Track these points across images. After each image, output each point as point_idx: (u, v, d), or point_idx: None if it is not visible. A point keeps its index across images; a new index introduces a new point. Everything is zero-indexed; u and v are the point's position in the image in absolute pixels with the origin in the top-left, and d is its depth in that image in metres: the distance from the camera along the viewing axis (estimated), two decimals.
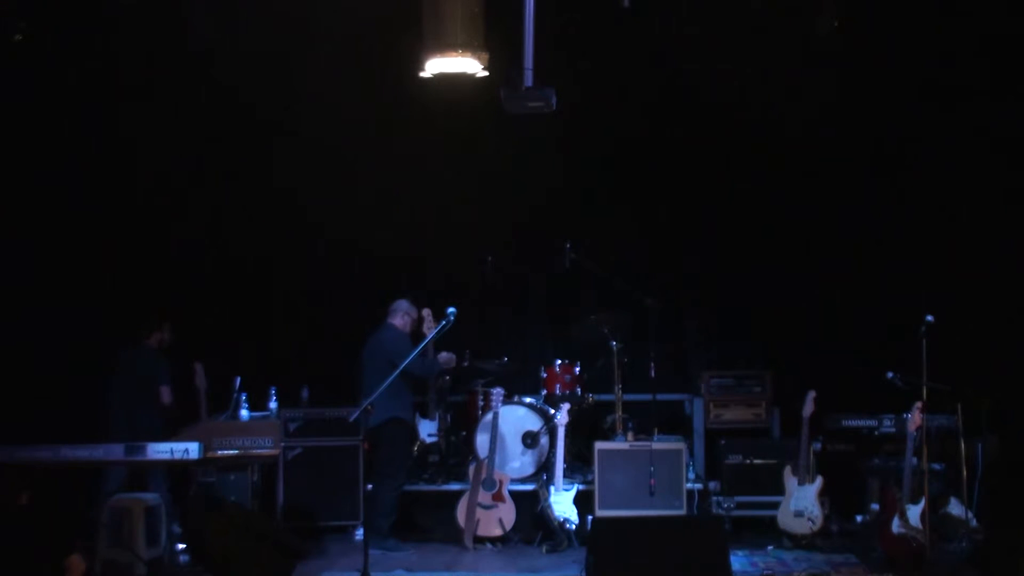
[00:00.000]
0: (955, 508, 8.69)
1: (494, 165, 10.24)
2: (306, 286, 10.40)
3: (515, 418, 9.79)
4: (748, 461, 9.55)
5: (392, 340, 8.98)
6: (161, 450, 7.51)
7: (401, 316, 9.19)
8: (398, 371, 8.15)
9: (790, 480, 8.92)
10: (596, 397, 10.12)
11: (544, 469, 9.60)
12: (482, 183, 10.28)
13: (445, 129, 9.84)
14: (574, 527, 9.05)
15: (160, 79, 9.40)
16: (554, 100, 7.62)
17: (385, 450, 8.95)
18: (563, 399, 9.78)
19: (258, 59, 9.26)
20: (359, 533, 9.09)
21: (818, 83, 9.42)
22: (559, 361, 10.14)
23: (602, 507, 9.24)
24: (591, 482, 9.41)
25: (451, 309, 7.93)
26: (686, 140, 10.29)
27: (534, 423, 9.78)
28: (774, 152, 10.01)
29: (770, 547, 8.85)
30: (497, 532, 9.15)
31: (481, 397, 10.02)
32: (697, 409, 10.23)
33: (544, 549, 8.95)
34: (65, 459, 7.46)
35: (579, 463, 9.98)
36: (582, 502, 9.22)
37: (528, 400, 9.97)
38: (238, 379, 8.70)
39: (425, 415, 9.94)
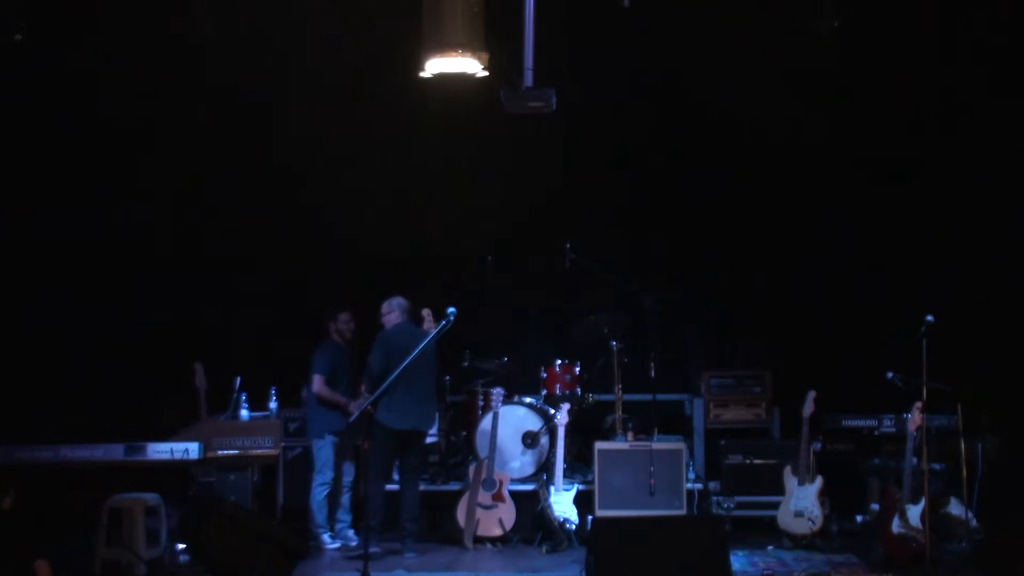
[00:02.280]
0: (955, 508, 8.69)
1: (494, 165, 10.24)
2: (305, 286, 10.39)
3: (515, 418, 9.79)
4: (748, 461, 9.55)
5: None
6: (161, 450, 7.51)
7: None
8: (399, 370, 8.13)
9: (790, 480, 8.92)
10: (596, 397, 10.11)
11: (544, 469, 9.61)
12: (482, 183, 10.28)
13: (445, 129, 9.84)
14: (574, 527, 9.05)
15: (161, 80, 9.41)
16: (554, 100, 7.62)
17: (419, 451, 9.06)
18: (563, 399, 9.78)
19: (258, 58, 9.27)
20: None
21: (818, 83, 9.43)
22: (559, 361, 10.14)
23: (602, 507, 9.24)
24: (591, 482, 9.42)
25: (451, 309, 7.93)
26: (686, 140, 10.31)
27: (534, 423, 9.78)
28: (774, 152, 10.02)
29: (770, 547, 8.86)
30: (497, 532, 9.16)
31: (481, 397, 10.01)
32: (697, 409, 10.24)
33: (544, 549, 8.96)
34: (65, 459, 7.46)
35: (579, 463, 9.98)
36: (582, 502, 9.22)
37: (528, 400, 9.97)
38: (238, 379, 8.69)
39: None
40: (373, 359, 8.76)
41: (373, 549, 8.52)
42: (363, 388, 8.90)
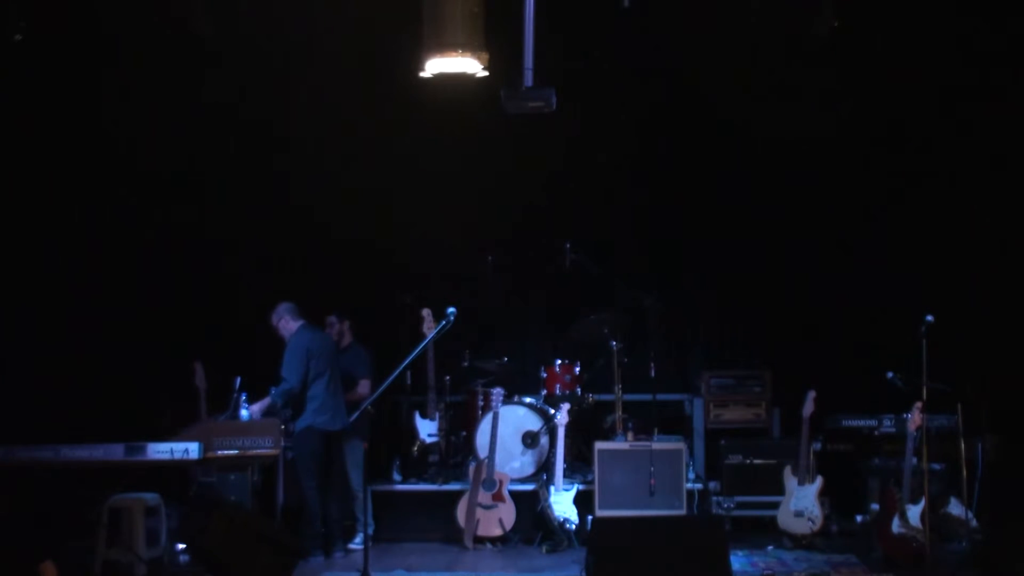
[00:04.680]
0: (955, 508, 8.69)
1: (494, 165, 10.24)
2: (306, 286, 10.38)
3: (515, 418, 9.79)
4: (748, 461, 9.55)
5: None
6: (161, 450, 7.51)
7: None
8: (401, 367, 8.14)
9: (790, 480, 8.92)
10: (596, 397, 10.11)
11: (544, 469, 9.61)
12: (482, 183, 10.28)
13: (445, 129, 9.84)
14: (574, 527, 9.06)
15: (161, 79, 9.40)
16: (554, 100, 7.62)
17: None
18: (563, 399, 9.77)
19: (258, 58, 9.27)
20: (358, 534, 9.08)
21: (818, 83, 9.43)
22: (559, 361, 10.14)
23: (602, 507, 9.24)
24: (591, 482, 9.41)
25: (451, 309, 7.93)
26: (686, 140, 10.30)
27: (534, 423, 9.78)
28: (774, 152, 10.02)
29: (770, 547, 8.86)
30: (497, 532, 9.16)
31: (481, 397, 10.01)
32: (697, 409, 10.24)
33: (544, 549, 8.96)
34: (65, 459, 7.46)
35: (579, 463, 9.98)
36: (582, 502, 9.22)
37: (528, 400, 9.96)
38: (238, 379, 8.69)
39: (425, 415, 9.96)
40: (293, 372, 8.71)
41: (317, 558, 8.58)
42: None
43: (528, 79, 7.50)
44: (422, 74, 7.51)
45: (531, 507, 9.27)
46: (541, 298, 10.74)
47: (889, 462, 9.08)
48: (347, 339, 9.49)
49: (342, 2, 8.48)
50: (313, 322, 9.05)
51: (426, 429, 9.94)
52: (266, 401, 8.74)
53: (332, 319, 9.45)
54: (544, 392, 10.11)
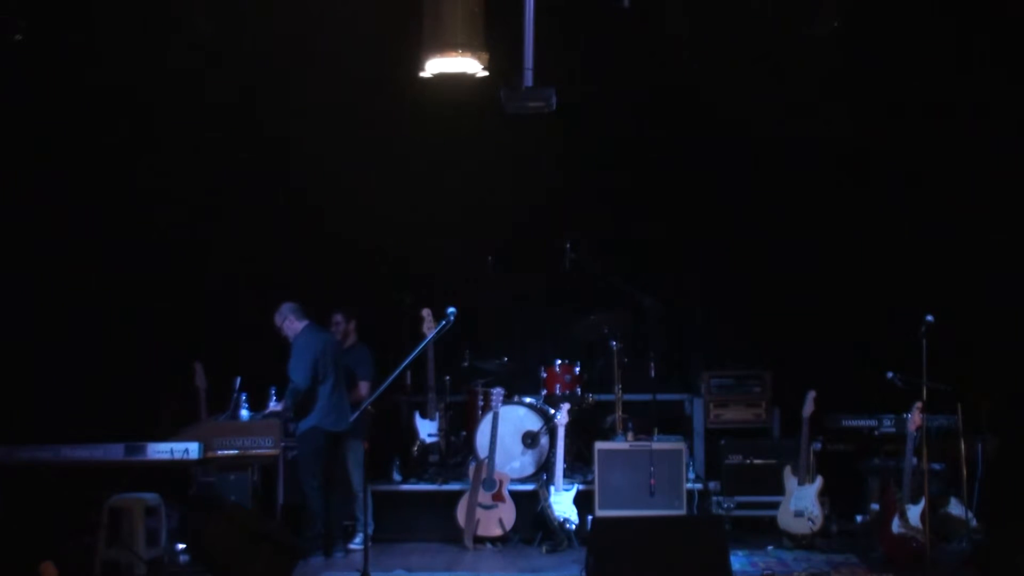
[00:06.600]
0: (955, 508, 8.69)
1: (494, 165, 10.24)
2: (306, 286, 10.38)
3: (515, 418, 9.79)
4: (748, 461, 9.55)
5: None
6: (161, 450, 7.51)
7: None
8: (401, 367, 8.15)
9: (790, 480, 8.92)
10: (596, 397, 10.12)
11: (544, 469, 9.61)
12: (482, 183, 10.28)
13: (445, 129, 9.84)
14: (574, 527, 9.06)
15: (161, 79, 9.40)
16: (554, 100, 7.62)
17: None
18: (563, 399, 9.78)
19: (258, 59, 9.26)
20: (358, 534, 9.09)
21: (818, 83, 9.43)
22: (559, 361, 10.14)
23: (602, 507, 9.25)
24: (591, 482, 9.42)
25: (451, 309, 7.93)
26: (685, 140, 10.30)
27: (534, 423, 9.78)
28: (774, 152, 10.02)
29: (770, 547, 8.86)
30: (497, 532, 9.16)
31: (481, 397, 10.02)
32: (697, 409, 10.24)
33: (544, 549, 8.96)
34: (65, 459, 7.46)
35: (579, 463, 9.98)
36: (582, 502, 9.23)
37: (528, 400, 9.97)
38: (238, 379, 8.69)
39: (425, 415, 9.96)
40: (300, 373, 8.68)
41: (317, 558, 8.57)
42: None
43: (528, 79, 7.50)
44: (422, 74, 7.51)
45: (531, 507, 9.27)
46: (541, 298, 10.75)
47: (889, 462, 9.08)
48: (351, 339, 9.48)
49: (342, 2, 8.48)
50: (314, 322, 9.03)
51: (426, 429, 9.94)
52: (284, 403, 8.74)
53: (339, 318, 9.41)
54: (544, 392, 10.12)
